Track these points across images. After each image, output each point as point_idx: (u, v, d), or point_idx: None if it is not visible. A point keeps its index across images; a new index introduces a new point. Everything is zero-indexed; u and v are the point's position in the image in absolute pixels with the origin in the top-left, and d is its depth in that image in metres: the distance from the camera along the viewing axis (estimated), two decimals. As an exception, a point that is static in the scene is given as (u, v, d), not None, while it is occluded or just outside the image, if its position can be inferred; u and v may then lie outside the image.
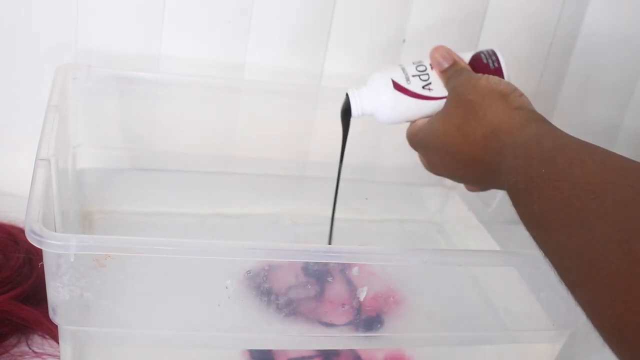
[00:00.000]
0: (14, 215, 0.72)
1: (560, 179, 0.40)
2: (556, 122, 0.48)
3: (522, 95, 0.52)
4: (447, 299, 0.61)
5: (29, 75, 0.77)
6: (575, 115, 0.93)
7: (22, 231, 0.69)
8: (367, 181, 0.88)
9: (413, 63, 0.60)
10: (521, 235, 0.78)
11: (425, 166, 0.59)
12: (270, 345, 0.59)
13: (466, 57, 0.60)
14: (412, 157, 0.90)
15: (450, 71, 0.58)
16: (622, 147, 0.96)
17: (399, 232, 0.86)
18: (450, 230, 0.87)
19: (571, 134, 0.46)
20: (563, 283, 0.39)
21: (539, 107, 0.52)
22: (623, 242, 0.34)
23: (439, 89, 0.58)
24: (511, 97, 0.51)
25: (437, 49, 0.59)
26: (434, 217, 0.90)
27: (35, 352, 0.61)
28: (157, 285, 0.54)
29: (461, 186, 0.88)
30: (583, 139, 0.45)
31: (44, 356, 0.60)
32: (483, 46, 0.86)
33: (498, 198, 0.79)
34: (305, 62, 0.84)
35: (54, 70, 0.70)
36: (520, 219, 0.44)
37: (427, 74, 0.59)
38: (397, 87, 0.59)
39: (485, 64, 0.58)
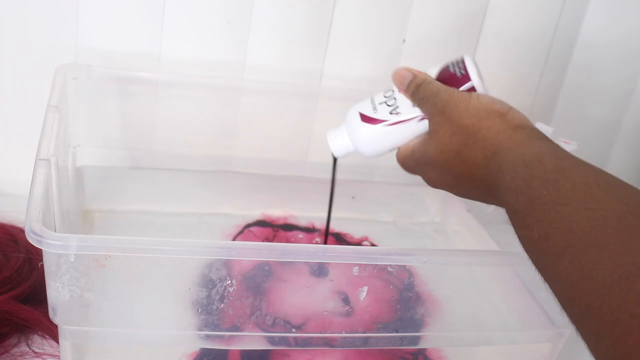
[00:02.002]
0: (14, 215, 0.72)
1: (562, 202, 0.39)
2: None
3: (518, 112, 0.51)
4: (447, 299, 0.61)
5: (29, 75, 0.77)
6: (575, 115, 0.92)
7: (22, 231, 0.69)
8: (367, 181, 0.88)
9: (383, 91, 0.59)
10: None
11: (425, 181, 0.58)
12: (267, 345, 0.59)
13: (434, 71, 0.58)
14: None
15: (412, 86, 0.56)
16: (622, 147, 0.96)
17: (399, 232, 0.86)
18: (450, 230, 0.87)
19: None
20: (566, 314, 0.38)
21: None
22: (623, 278, 0.33)
23: (407, 110, 0.57)
24: (509, 116, 0.50)
25: (396, 71, 0.57)
26: (434, 217, 0.90)
27: (35, 352, 0.61)
28: (157, 285, 0.54)
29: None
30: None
31: (44, 356, 0.60)
32: (482, 46, 0.87)
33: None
34: (305, 62, 0.84)
35: (54, 70, 0.70)
36: (520, 241, 0.43)
37: (394, 98, 0.57)
38: (365, 119, 0.58)
39: (452, 73, 0.56)
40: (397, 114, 0.57)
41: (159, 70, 0.80)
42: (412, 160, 0.57)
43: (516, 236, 0.43)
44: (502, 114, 0.50)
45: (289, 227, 0.83)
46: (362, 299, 0.57)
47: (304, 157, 0.86)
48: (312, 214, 0.84)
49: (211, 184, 0.83)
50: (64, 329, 0.53)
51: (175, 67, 0.80)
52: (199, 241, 0.51)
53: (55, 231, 0.50)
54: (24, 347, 0.61)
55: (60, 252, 0.47)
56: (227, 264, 0.53)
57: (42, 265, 0.49)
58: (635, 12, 0.88)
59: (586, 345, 0.35)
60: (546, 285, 0.40)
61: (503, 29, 0.86)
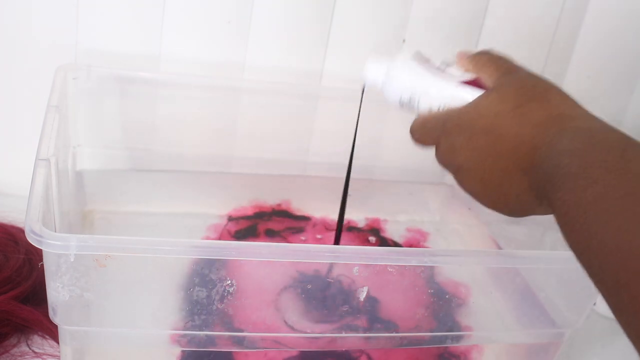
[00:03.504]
0: (14, 215, 0.72)
1: (624, 169, 0.37)
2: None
3: None
4: (446, 299, 0.61)
5: (29, 75, 0.77)
6: (576, 115, 0.92)
7: (22, 231, 0.69)
8: (367, 180, 0.88)
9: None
10: (521, 235, 0.79)
11: (440, 152, 0.53)
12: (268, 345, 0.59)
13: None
14: (413, 156, 0.90)
15: (476, 52, 0.54)
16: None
17: (399, 232, 0.86)
18: (450, 230, 0.87)
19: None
20: (602, 289, 0.36)
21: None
22: None
23: (454, 72, 0.54)
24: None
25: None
26: (434, 216, 0.89)
27: (35, 352, 0.61)
28: (157, 286, 0.54)
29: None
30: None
31: (44, 356, 0.60)
32: (483, 46, 0.87)
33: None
34: (305, 62, 0.84)
35: (54, 70, 0.70)
36: (557, 207, 0.40)
37: (449, 64, 0.56)
38: (417, 57, 0.56)
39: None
40: (445, 67, 0.55)
41: (159, 70, 0.80)
42: (439, 121, 0.52)
43: (557, 204, 0.40)
44: None
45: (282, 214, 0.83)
46: (362, 299, 0.57)
47: (304, 157, 0.86)
48: (313, 213, 0.84)
49: (211, 184, 0.83)
50: (64, 329, 0.53)
51: (175, 67, 0.80)
52: (198, 241, 0.51)
53: (55, 231, 0.50)
54: (23, 347, 0.61)
55: (60, 252, 0.47)
56: (227, 264, 0.53)
57: (42, 265, 0.49)
58: (635, 12, 0.88)
59: (617, 315, 0.35)
60: (583, 259, 0.38)
61: (503, 29, 0.86)
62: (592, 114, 0.46)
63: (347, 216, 0.85)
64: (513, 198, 0.47)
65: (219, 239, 0.77)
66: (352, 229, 0.83)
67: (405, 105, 0.56)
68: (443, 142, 0.51)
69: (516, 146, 0.46)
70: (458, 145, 0.50)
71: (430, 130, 0.53)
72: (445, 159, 0.52)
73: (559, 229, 0.40)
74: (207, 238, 0.77)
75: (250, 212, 0.82)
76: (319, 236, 0.82)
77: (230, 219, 0.81)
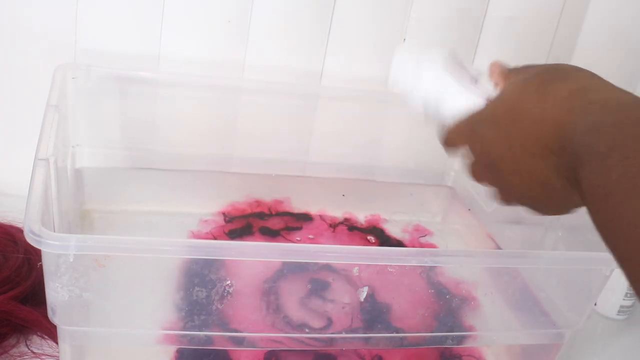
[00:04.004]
0: (13, 215, 0.72)
1: None
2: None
3: None
4: (446, 299, 0.61)
5: (28, 75, 0.77)
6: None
7: (21, 231, 0.69)
8: (367, 181, 0.88)
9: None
10: (521, 235, 0.79)
11: (474, 153, 0.51)
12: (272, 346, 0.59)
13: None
14: (414, 157, 0.90)
15: (512, 71, 0.52)
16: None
17: (400, 233, 0.86)
18: (450, 230, 0.87)
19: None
20: (629, 272, 0.35)
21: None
22: None
23: (488, 86, 0.53)
24: None
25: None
26: (434, 217, 0.89)
27: (34, 353, 0.60)
28: (157, 286, 0.54)
29: (461, 186, 0.88)
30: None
31: (43, 357, 0.60)
32: (483, 46, 0.87)
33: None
34: (305, 62, 0.84)
35: (53, 69, 0.70)
36: (584, 186, 0.39)
37: (481, 73, 0.54)
38: (450, 59, 0.55)
39: None
40: (475, 80, 0.54)
41: (159, 70, 0.80)
42: (468, 122, 0.51)
43: (585, 184, 0.39)
44: None
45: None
46: (362, 299, 0.56)
47: (304, 157, 0.86)
48: (312, 213, 0.84)
49: (211, 184, 0.83)
50: (63, 330, 0.52)
51: (175, 66, 0.80)
52: (198, 241, 0.51)
53: (55, 231, 0.50)
54: (22, 348, 0.61)
55: (59, 252, 0.46)
56: (226, 264, 0.53)
57: (41, 265, 0.48)
58: (635, 12, 0.88)
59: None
60: (611, 243, 0.36)
61: (503, 29, 0.86)
62: (618, 87, 0.44)
63: (348, 216, 0.85)
64: (548, 188, 0.46)
65: (217, 238, 0.77)
66: (353, 229, 0.83)
67: (429, 107, 0.55)
68: (475, 141, 0.50)
69: (540, 127, 0.44)
70: (488, 139, 0.48)
71: (461, 131, 0.51)
72: (479, 161, 0.50)
73: (587, 210, 0.39)
74: (205, 237, 0.77)
75: (248, 211, 0.82)
76: (310, 236, 0.82)
77: (229, 218, 0.81)
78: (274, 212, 0.83)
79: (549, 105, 0.44)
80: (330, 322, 0.58)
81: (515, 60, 0.54)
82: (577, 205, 0.46)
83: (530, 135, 0.45)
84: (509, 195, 0.49)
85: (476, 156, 0.50)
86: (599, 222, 0.37)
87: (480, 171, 0.50)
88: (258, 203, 0.83)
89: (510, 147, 0.46)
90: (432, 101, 0.54)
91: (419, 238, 0.85)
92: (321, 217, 0.83)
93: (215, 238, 0.76)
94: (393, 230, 0.84)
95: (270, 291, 0.57)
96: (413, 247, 0.82)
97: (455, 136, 0.52)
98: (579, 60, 0.90)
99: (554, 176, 0.44)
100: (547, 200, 0.47)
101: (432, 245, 0.84)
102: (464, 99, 0.52)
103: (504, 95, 0.49)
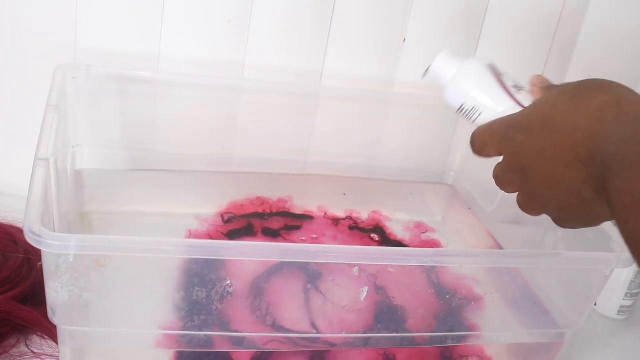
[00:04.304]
0: (13, 215, 0.72)
1: None
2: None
3: None
4: (447, 299, 0.61)
5: (28, 75, 0.77)
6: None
7: (21, 231, 0.69)
8: (367, 180, 0.88)
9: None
10: (521, 235, 0.79)
11: (506, 166, 0.50)
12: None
13: None
14: (414, 156, 0.90)
15: (552, 88, 0.53)
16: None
17: (400, 231, 0.86)
18: (451, 229, 0.87)
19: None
20: None
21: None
22: None
23: (527, 100, 0.54)
24: None
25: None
26: (435, 216, 0.89)
27: (34, 353, 0.60)
28: (156, 286, 0.54)
29: (461, 185, 0.88)
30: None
31: (43, 357, 0.60)
32: (483, 46, 0.87)
33: (498, 198, 0.79)
34: (305, 62, 0.84)
35: (53, 69, 0.70)
36: (613, 197, 0.40)
37: (521, 87, 0.55)
38: (491, 68, 0.56)
39: None
40: (517, 89, 0.55)
41: (159, 70, 0.80)
42: (501, 126, 0.51)
43: (614, 194, 0.39)
44: None
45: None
46: (362, 299, 0.56)
47: (304, 157, 0.86)
48: (312, 212, 0.84)
49: (211, 184, 0.83)
50: (63, 330, 0.52)
51: (175, 66, 0.80)
52: (198, 241, 0.51)
53: (54, 231, 0.50)
54: (23, 348, 0.61)
55: (59, 252, 0.46)
56: (226, 264, 0.53)
57: (41, 265, 0.48)
58: (636, 12, 0.88)
59: None
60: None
61: (504, 29, 0.86)
62: None
63: (349, 215, 0.85)
64: (576, 199, 0.46)
65: (216, 238, 0.77)
66: (353, 228, 0.83)
67: (465, 112, 0.56)
68: (506, 145, 0.50)
69: (572, 135, 0.45)
70: (519, 144, 0.48)
71: (494, 134, 0.51)
72: (509, 165, 0.50)
73: (615, 220, 0.39)
74: (204, 237, 0.77)
75: (248, 211, 0.82)
76: (313, 236, 0.82)
77: (229, 218, 0.80)
78: (274, 212, 0.83)
79: (581, 114, 0.45)
80: (329, 323, 0.58)
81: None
82: (605, 218, 0.46)
83: (562, 143, 0.45)
84: (534, 202, 0.49)
85: (506, 160, 0.50)
86: (628, 232, 0.38)
87: (508, 176, 0.50)
88: (259, 202, 0.83)
89: (542, 154, 0.47)
90: (470, 105, 0.55)
91: (421, 234, 0.85)
92: (322, 216, 0.83)
93: (212, 238, 0.76)
94: (394, 229, 0.84)
95: (268, 291, 0.57)
96: (415, 245, 0.82)
97: (487, 138, 0.52)
98: (578, 60, 0.90)
99: (583, 187, 0.45)
100: (575, 210, 0.47)
101: (435, 242, 0.84)
102: (502, 106, 0.54)
103: (539, 103, 0.49)
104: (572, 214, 0.47)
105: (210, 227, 0.78)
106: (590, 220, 0.47)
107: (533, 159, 0.47)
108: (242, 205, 0.82)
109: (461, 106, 0.55)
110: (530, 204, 0.50)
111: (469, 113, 0.55)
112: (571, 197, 0.46)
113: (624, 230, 0.38)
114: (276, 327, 0.57)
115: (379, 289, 0.58)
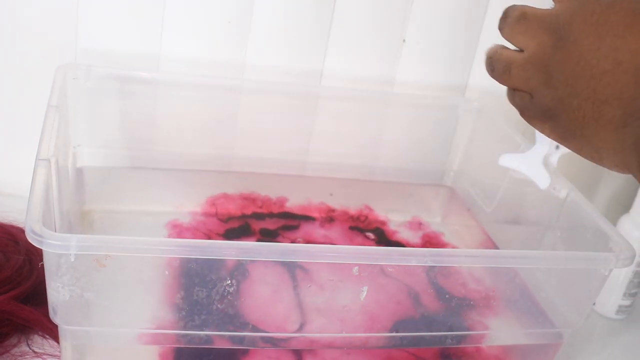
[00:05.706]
0: (14, 215, 0.72)
1: None
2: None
3: None
4: (446, 299, 0.61)
5: (29, 75, 0.77)
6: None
7: (22, 231, 0.69)
8: (367, 180, 0.88)
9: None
10: (521, 235, 0.79)
11: (530, 106, 0.47)
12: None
13: None
14: (413, 157, 0.90)
15: None
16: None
17: (399, 231, 0.86)
18: (450, 230, 0.87)
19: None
20: None
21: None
22: None
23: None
24: None
25: None
26: (434, 217, 0.90)
27: (35, 352, 0.61)
28: (157, 285, 0.54)
29: (461, 185, 0.89)
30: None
31: (44, 356, 0.60)
32: (483, 47, 0.87)
33: (498, 198, 0.79)
34: (305, 62, 0.84)
35: (53, 70, 0.70)
36: None
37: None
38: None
39: None
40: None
41: (159, 70, 0.80)
42: (542, 65, 0.47)
43: None
44: None
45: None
46: (362, 299, 0.57)
47: (304, 157, 0.86)
48: (312, 213, 0.84)
49: (211, 184, 0.83)
50: (64, 329, 0.53)
51: (175, 66, 0.80)
52: (198, 241, 0.51)
53: (56, 231, 0.50)
54: (24, 347, 0.61)
55: (60, 252, 0.47)
56: (226, 264, 0.53)
57: (43, 265, 0.49)
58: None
59: None
60: None
61: (503, 29, 0.86)
62: None
63: (349, 215, 0.85)
64: (601, 155, 0.42)
65: (216, 238, 0.77)
66: (353, 228, 0.83)
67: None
68: (543, 85, 0.46)
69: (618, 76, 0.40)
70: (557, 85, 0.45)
71: (532, 70, 0.47)
72: (539, 107, 0.46)
73: None
74: (204, 237, 0.77)
75: (247, 211, 0.82)
76: (316, 235, 0.82)
77: (227, 218, 0.81)
78: (273, 212, 0.83)
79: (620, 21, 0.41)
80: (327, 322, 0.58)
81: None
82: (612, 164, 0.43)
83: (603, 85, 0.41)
84: (546, 111, 0.46)
85: (537, 100, 0.46)
86: None
87: (526, 72, 0.47)
88: (258, 202, 0.83)
89: (579, 106, 0.42)
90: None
91: (420, 235, 0.85)
92: (321, 216, 0.84)
93: (209, 238, 0.77)
94: (393, 229, 0.85)
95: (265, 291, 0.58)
96: (415, 243, 0.82)
97: (522, 73, 0.48)
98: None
99: (615, 148, 0.41)
100: (595, 161, 0.44)
101: (437, 237, 0.84)
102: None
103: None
104: (592, 159, 0.44)
105: (209, 226, 0.78)
106: (596, 157, 0.44)
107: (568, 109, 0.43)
108: (241, 205, 0.82)
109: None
110: (539, 110, 0.46)
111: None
112: (597, 153, 0.43)
113: None
114: (277, 326, 0.57)
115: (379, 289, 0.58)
